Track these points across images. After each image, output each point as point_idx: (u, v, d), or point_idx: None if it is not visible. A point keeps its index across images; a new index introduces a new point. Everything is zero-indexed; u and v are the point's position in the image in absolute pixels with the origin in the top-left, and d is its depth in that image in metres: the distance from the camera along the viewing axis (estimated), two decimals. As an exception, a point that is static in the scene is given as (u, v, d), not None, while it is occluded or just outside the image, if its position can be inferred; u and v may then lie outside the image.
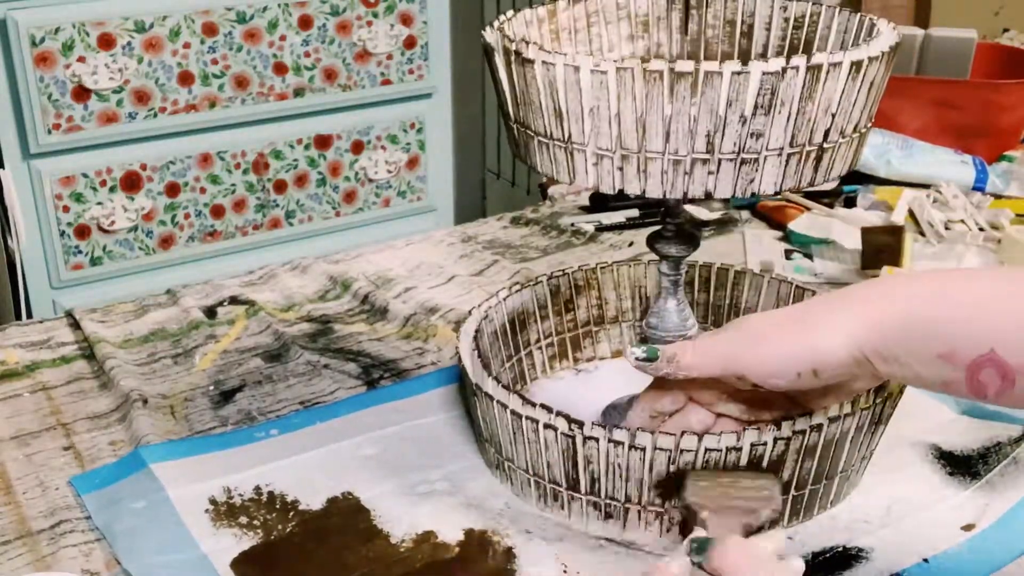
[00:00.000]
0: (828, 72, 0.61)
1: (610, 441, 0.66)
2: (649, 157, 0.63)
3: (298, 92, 1.95)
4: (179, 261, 1.94)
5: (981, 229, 1.10)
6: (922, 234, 1.10)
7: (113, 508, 0.72)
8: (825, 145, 0.65)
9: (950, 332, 0.56)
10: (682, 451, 0.65)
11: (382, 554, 0.69)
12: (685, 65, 0.60)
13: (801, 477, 0.69)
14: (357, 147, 2.04)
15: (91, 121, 1.78)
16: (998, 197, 1.21)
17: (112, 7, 1.76)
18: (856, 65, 0.62)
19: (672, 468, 0.66)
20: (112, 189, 1.84)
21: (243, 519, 0.72)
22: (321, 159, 2.02)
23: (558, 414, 0.68)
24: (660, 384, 0.68)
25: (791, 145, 0.63)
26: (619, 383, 0.85)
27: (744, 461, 0.65)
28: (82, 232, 1.83)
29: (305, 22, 1.91)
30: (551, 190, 1.31)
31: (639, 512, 0.69)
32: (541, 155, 0.67)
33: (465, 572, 0.68)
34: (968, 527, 0.71)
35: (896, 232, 1.04)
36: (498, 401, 0.71)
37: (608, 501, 0.69)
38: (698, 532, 0.58)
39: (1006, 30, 2.04)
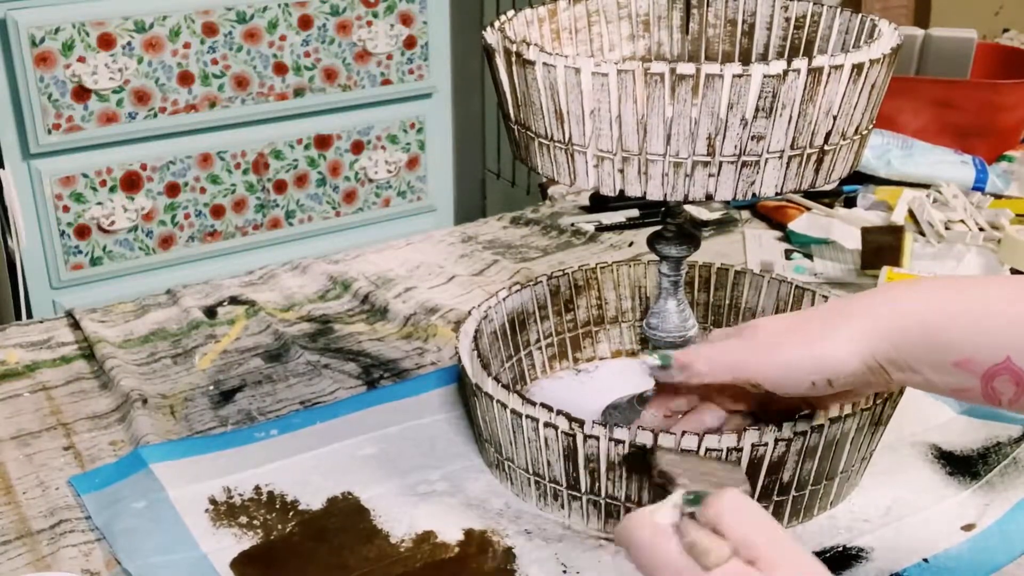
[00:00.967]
0: (829, 75, 0.61)
1: (611, 440, 0.66)
2: (650, 159, 0.63)
3: (298, 92, 1.95)
4: (179, 261, 1.94)
5: (981, 229, 1.10)
6: (922, 234, 1.10)
7: (113, 508, 0.72)
8: (826, 147, 0.64)
9: (965, 340, 0.56)
10: (682, 451, 0.65)
11: (382, 554, 0.69)
12: (686, 67, 0.60)
13: (802, 478, 0.69)
14: (357, 147, 2.04)
15: (91, 121, 1.78)
16: (998, 197, 1.21)
17: (112, 7, 1.76)
18: (857, 68, 0.62)
19: (642, 447, 0.66)
20: (112, 189, 1.84)
21: (243, 519, 0.72)
22: (321, 159, 2.02)
23: (558, 413, 0.68)
24: (673, 385, 0.68)
25: (792, 148, 0.63)
26: (619, 383, 0.85)
27: (745, 461, 0.65)
28: (82, 232, 1.83)
29: (305, 22, 1.91)
30: (551, 190, 1.31)
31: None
32: (542, 156, 0.67)
33: (465, 572, 0.68)
34: (968, 527, 0.71)
35: (896, 232, 1.04)
36: (498, 400, 0.71)
37: (608, 500, 0.69)
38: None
39: (1006, 30, 2.04)
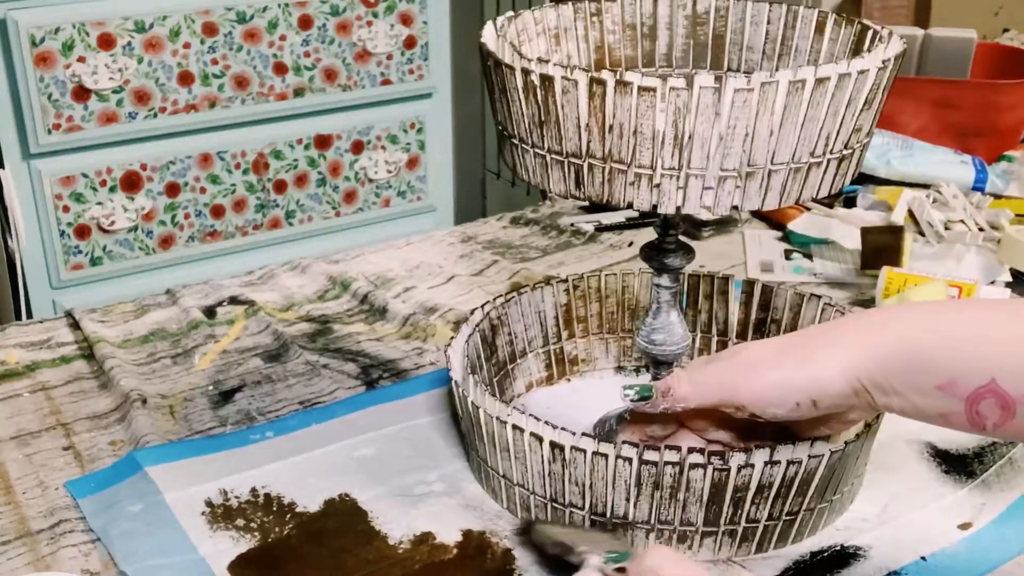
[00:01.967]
0: (837, 84, 0.60)
1: (595, 453, 0.66)
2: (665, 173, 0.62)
3: (298, 92, 1.95)
4: (179, 261, 1.94)
5: (981, 229, 1.10)
6: (922, 234, 1.10)
7: (109, 512, 0.72)
8: (830, 157, 0.64)
9: (950, 363, 0.56)
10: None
11: (380, 556, 0.69)
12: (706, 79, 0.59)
13: (792, 505, 0.68)
14: (357, 147, 2.04)
15: (91, 121, 1.78)
16: (998, 197, 1.21)
17: (112, 7, 1.76)
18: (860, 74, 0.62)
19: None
20: (112, 189, 1.84)
21: (240, 521, 0.72)
22: (321, 159, 2.02)
23: (546, 424, 0.67)
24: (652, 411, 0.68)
25: (793, 160, 0.62)
26: (614, 395, 0.84)
27: (730, 487, 0.65)
28: (82, 232, 1.83)
29: (305, 22, 1.91)
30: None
31: (627, 527, 0.68)
32: (592, 178, 0.64)
33: (464, 573, 0.68)
34: (965, 526, 0.71)
35: (896, 232, 1.04)
36: (484, 412, 0.70)
37: (595, 517, 0.69)
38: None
39: (1006, 30, 2.04)
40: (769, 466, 0.65)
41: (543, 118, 0.63)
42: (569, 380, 0.88)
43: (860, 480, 0.74)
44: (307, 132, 1.99)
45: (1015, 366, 0.54)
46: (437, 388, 0.87)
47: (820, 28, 0.73)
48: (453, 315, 0.98)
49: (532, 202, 1.35)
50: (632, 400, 0.66)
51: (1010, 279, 1.04)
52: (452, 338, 0.79)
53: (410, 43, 2.02)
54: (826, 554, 0.69)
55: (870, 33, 0.69)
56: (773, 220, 1.19)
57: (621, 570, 0.51)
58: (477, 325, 0.81)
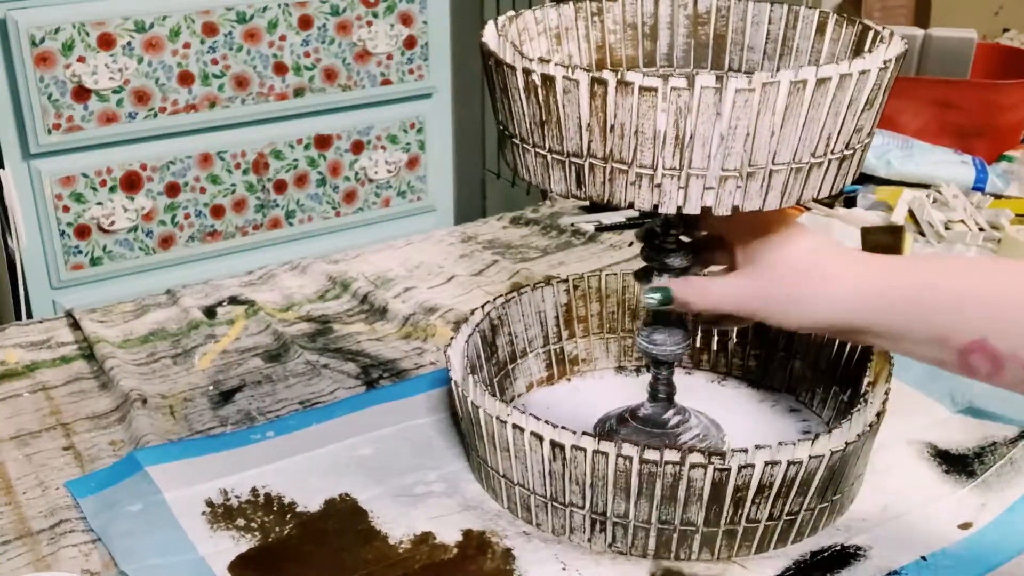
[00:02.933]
0: (838, 83, 0.60)
1: (596, 452, 0.66)
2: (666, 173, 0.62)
3: (298, 92, 1.95)
4: (179, 261, 1.94)
5: (981, 229, 1.10)
6: (922, 234, 1.10)
7: (110, 512, 0.72)
8: (831, 157, 0.64)
9: (943, 318, 0.59)
10: (668, 462, 0.65)
11: (381, 555, 0.69)
12: (707, 79, 0.59)
13: (792, 505, 0.68)
14: (357, 147, 2.04)
15: (91, 121, 1.78)
16: (998, 197, 1.21)
17: (112, 7, 1.76)
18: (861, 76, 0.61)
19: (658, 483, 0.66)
20: (112, 189, 1.84)
21: (240, 521, 0.72)
22: (321, 159, 2.01)
23: (546, 423, 0.67)
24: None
25: (794, 160, 0.62)
26: (616, 395, 0.84)
27: (730, 487, 0.65)
28: (82, 232, 1.83)
29: (305, 22, 1.91)
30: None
31: (627, 526, 0.68)
32: (594, 178, 0.64)
33: (464, 573, 0.68)
34: (965, 525, 0.71)
35: (896, 232, 1.04)
36: (484, 412, 0.70)
37: (594, 515, 0.69)
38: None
39: (1006, 30, 2.04)
40: (770, 466, 0.65)
41: (544, 118, 0.62)
42: (569, 380, 0.88)
43: (860, 480, 0.74)
44: (307, 132, 1.99)
45: (1005, 325, 0.57)
46: (437, 388, 0.87)
47: (821, 28, 0.73)
48: (453, 315, 0.98)
49: (532, 202, 1.35)
50: (653, 307, 0.68)
51: (1010, 279, 1.03)
52: (452, 338, 0.79)
53: (410, 43, 2.02)
54: (826, 554, 0.69)
55: (871, 33, 0.69)
56: (773, 220, 1.19)
57: None
58: (477, 325, 0.81)
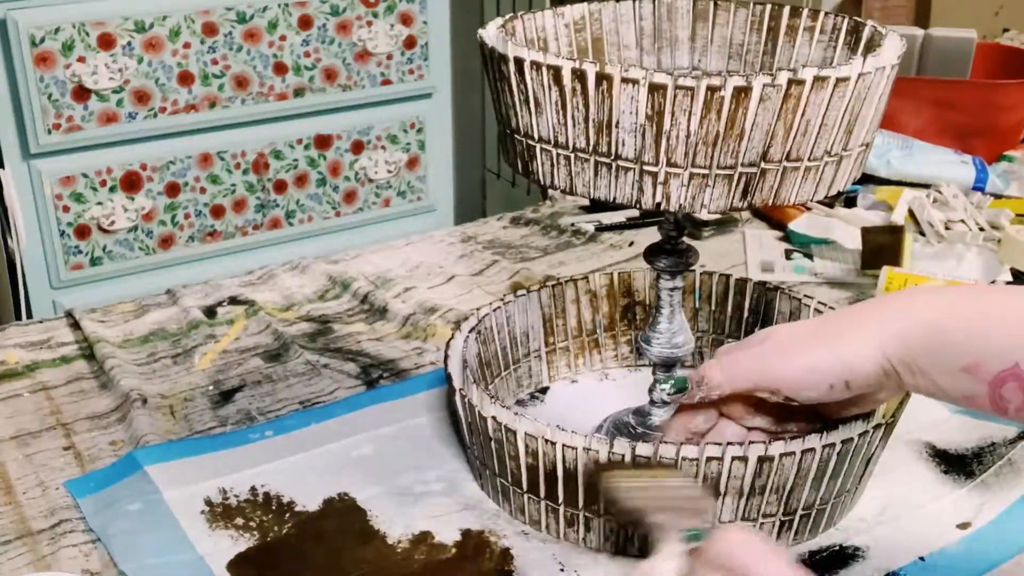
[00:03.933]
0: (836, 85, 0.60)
1: (586, 450, 0.66)
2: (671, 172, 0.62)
3: (298, 92, 1.95)
4: (179, 261, 1.94)
5: (981, 229, 1.10)
6: (922, 234, 1.10)
7: (109, 511, 0.72)
8: (829, 159, 0.64)
9: (975, 345, 0.56)
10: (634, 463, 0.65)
11: (379, 555, 0.69)
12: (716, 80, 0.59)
13: (822, 495, 0.68)
14: (357, 147, 2.04)
15: (91, 121, 1.78)
16: (998, 197, 1.21)
17: (112, 7, 1.76)
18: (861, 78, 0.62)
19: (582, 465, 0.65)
20: (112, 189, 1.84)
21: (239, 520, 0.72)
22: (321, 159, 2.02)
23: (546, 424, 0.67)
24: (691, 406, 0.68)
25: (810, 158, 0.62)
26: (616, 395, 0.84)
27: (725, 486, 0.65)
28: (82, 232, 1.83)
29: (305, 22, 1.91)
30: (551, 190, 1.31)
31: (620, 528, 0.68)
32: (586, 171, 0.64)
33: (463, 573, 0.68)
34: (964, 525, 0.71)
35: (896, 232, 1.04)
36: (483, 412, 0.70)
37: (586, 514, 0.69)
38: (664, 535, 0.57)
39: (1006, 30, 2.04)
40: (768, 464, 0.65)
41: (548, 114, 0.62)
42: (570, 380, 0.88)
43: (862, 485, 0.74)
44: (307, 132, 1.99)
45: None
46: (436, 388, 0.87)
47: (821, 29, 0.73)
48: (453, 315, 0.98)
49: (532, 202, 1.35)
50: (669, 394, 0.66)
51: (1010, 279, 1.04)
52: (451, 338, 0.79)
53: (410, 43, 2.02)
54: (825, 554, 0.69)
55: (871, 33, 0.69)
56: (774, 220, 1.19)
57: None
58: (477, 325, 0.81)
